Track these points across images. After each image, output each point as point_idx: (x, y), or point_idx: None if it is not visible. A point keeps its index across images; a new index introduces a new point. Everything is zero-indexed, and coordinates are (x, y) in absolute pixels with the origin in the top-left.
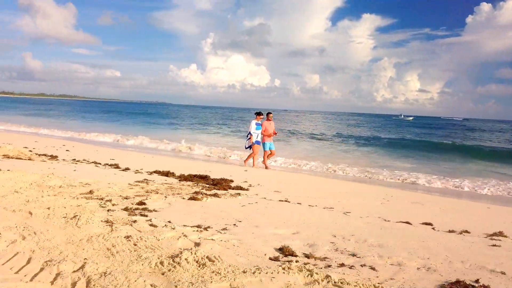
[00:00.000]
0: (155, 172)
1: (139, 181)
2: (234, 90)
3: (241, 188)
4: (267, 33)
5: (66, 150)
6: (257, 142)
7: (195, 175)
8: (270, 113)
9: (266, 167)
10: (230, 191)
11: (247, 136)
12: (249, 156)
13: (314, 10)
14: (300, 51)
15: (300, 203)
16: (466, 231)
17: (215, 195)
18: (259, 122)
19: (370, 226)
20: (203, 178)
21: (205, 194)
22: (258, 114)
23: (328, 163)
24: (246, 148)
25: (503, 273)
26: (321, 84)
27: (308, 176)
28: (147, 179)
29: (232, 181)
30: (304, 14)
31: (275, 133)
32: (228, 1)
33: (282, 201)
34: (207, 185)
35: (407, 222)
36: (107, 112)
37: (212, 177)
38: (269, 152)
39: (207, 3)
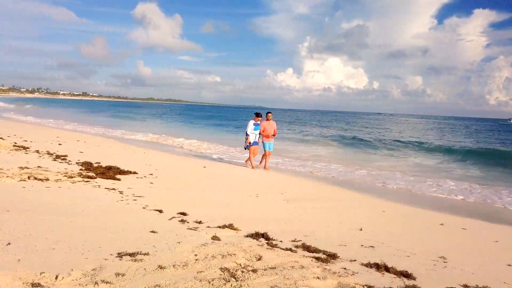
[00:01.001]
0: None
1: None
2: (329, 93)
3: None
4: (365, 35)
5: (59, 144)
6: (255, 143)
7: (102, 167)
8: (270, 112)
9: (265, 168)
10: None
11: (245, 137)
12: (249, 157)
13: (417, 8)
14: (400, 52)
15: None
16: None
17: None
18: (258, 122)
19: None
20: (109, 169)
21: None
22: (257, 114)
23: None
24: (245, 149)
25: None
26: (424, 86)
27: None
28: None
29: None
30: (406, 13)
31: (275, 134)
32: (325, 4)
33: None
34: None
35: None
36: (206, 118)
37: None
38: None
39: (305, 7)
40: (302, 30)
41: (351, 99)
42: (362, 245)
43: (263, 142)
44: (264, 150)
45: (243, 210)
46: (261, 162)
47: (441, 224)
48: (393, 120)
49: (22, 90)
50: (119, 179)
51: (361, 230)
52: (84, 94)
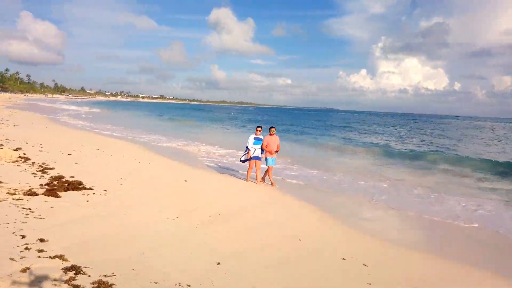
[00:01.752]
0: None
1: None
2: (405, 95)
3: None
4: (445, 33)
5: (68, 155)
6: (256, 158)
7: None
8: (273, 127)
9: (272, 184)
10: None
11: (245, 151)
12: (248, 170)
13: (508, 2)
14: (485, 51)
15: None
16: None
17: None
18: (259, 136)
19: None
20: (69, 184)
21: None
22: (258, 128)
23: None
24: (241, 162)
25: None
26: None
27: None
28: None
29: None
30: (494, 8)
31: (278, 150)
32: (403, 3)
33: None
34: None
35: None
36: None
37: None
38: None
39: (381, 7)
40: (376, 30)
41: (430, 101)
42: None
43: (265, 158)
44: (267, 166)
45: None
46: (263, 178)
47: None
48: (467, 125)
49: (107, 93)
50: (60, 197)
51: None
52: (161, 97)
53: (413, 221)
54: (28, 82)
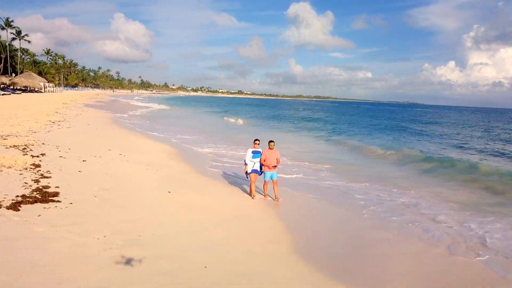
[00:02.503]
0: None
1: None
2: (501, 89)
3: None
4: None
5: (83, 161)
6: (255, 171)
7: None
8: (272, 141)
9: (276, 199)
10: None
11: (244, 166)
12: (251, 185)
13: None
14: None
15: None
16: None
17: None
18: (257, 150)
19: None
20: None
21: None
22: (255, 141)
23: None
24: (246, 177)
25: None
26: None
27: None
28: None
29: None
30: None
31: (277, 164)
32: None
33: None
34: None
35: None
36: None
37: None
38: (269, 181)
39: None
40: (467, 18)
41: None
42: None
43: (264, 172)
44: (264, 180)
45: None
46: (265, 193)
47: None
48: None
49: (188, 89)
50: (18, 210)
51: None
52: (239, 92)
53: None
54: (117, 79)
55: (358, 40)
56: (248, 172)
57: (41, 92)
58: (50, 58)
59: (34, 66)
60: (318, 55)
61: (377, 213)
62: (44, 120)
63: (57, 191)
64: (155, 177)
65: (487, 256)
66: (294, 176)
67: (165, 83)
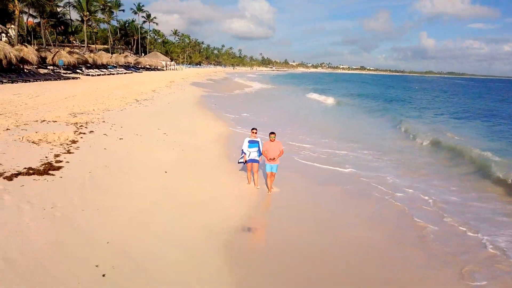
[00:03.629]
0: None
1: None
2: None
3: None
4: None
5: (120, 139)
6: (252, 161)
7: None
8: (273, 133)
9: (269, 190)
10: None
11: (241, 154)
12: (247, 173)
13: None
14: None
15: None
16: None
17: None
18: (254, 139)
19: None
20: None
21: None
22: (252, 130)
23: None
24: (238, 163)
25: None
26: None
27: None
28: None
29: None
30: None
31: (280, 154)
32: None
33: None
34: None
35: None
36: None
37: None
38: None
39: None
40: None
41: None
42: None
43: (265, 163)
44: (266, 172)
45: None
46: (266, 183)
47: None
48: None
49: (308, 65)
50: (11, 180)
51: None
52: (361, 68)
53: None
54: (239, 56)
55: (505, 7)
56: (246, 161)
57: (163, 70)
58: (178, 38)
59: (163, 46)
60: (454, 26)
61: None
62: (130, 99)
63: (62, 165)
64: (170, 158)
65: None
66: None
67: (285, 60)
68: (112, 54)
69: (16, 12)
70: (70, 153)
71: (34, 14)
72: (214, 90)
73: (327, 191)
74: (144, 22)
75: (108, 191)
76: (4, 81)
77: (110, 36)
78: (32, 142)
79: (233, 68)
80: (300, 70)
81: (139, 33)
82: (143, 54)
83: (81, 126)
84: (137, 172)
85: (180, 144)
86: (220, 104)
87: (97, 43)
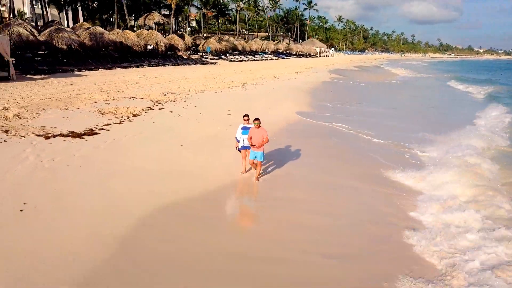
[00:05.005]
0: None
1: None
2: None
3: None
4: None
5: (179, 115)
6: (245, 147)
7: None
8: (257, 119)
9: (255, 179)
10: None
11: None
12: (242, 161)
13: None
14: None
15: None
16: None
17: None
18: (247, 126)
19: None
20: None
21: None
22: (244, 117)
23: None
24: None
25: None
26: None
27: None
28: None
29: None
30: None
31: (263, 143)
32: None
33: None
34: None
35: None
36: None
37: None
38: (253, 162)
39: None
40: None
41: None
42: None
43: (250, 150)
44: (249, 159)
45: None
46: (245, 169)
47: None
48: None
49: (499, 52)
50: (48, 138)
51: None
52: None
53: None
54: (411, 42)
55: None
56: (239, 148)
57: (315, 56)
58: (343, 25)
59: (325, 32)
60: None
61: None
62: (239, 83)
63: (99, 132)
64: (202, 134)
65: None
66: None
67: (469, 46)
68: (272, 41)
69: (172, 5)
70: (121, 123)
71: (199, 6)
72: (350, 78)
73: None
74: (305, 9)
75: (116, 154)
76: (156, 64)
77: (271, 24)
78: (101, 113)
79: (401, 55)
80: (487, 57)
81: (299, 20)
82: (300, 41)
83: (159, 103)
84: (156, 143)
85: (232, 124)
86: (338, 92)
87: (260, 31)
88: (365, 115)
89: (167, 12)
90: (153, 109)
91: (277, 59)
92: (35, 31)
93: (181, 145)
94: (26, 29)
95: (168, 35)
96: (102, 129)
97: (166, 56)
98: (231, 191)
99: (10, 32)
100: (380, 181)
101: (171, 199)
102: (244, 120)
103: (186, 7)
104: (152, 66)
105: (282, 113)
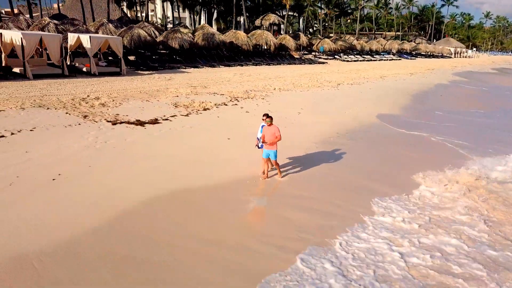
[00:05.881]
0: None
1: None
2: None
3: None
4: None
5: (247, 110)
6: (262, 146)
7: None
8: (269, 116)
9: (265, 175)
10: None
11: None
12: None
13: None
14: None
15: None
16: None
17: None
18: (265, 124)
19: None
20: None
21: None
22: (263, 117)
23: None
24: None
25: None
26: None
27: None
28: None
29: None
30: None
31: (275, 140)
32: None
33: None
34: None
35: None
36: None
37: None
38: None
39: None
40: None
41: None
42: None
43: (263, 149)
44: (262, 158)
45: None
46: (265, 172)
47: None
48: None
49: None
50: (115, 124)
51: None
52: None
53: None
54: None
55: None
56: (259, 146)
57: (449, 57)
58: (492, 22)
59: (467, 30)
60: None
61: None
62: (333, 83)
63: (161, 122)
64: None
65: None
66: None
67: None
68: (398, 40)
69: (287, 5)
70: (187, 116)
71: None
72: (478, 81)
73: None
74: (443, 5)
75: (161, 141)
76: (260, 63)
77: (403, 22)
78: (174, 106)
79: None
80: None
81: (434, 18)
82: (434, 40)
83: (236, 99)
84: (205, 135)
85: (294, 122)
86: (450, 97)
87: (391, 31)
88: (469, 125)
89: (290, 13)
90: (226, 105)
91: (399, 59)
92: (156, 33)
93: (228, 138)
94: (145, 31)
95: (281, 34)
96: (166, 119)
97: (274, 56)
98: (241, 186)
99: (132, 34)
100: None
101: (177, 186)
102: (263, 120)
103: (311, 7)
104: (256, 65)
105: (359, 114)
